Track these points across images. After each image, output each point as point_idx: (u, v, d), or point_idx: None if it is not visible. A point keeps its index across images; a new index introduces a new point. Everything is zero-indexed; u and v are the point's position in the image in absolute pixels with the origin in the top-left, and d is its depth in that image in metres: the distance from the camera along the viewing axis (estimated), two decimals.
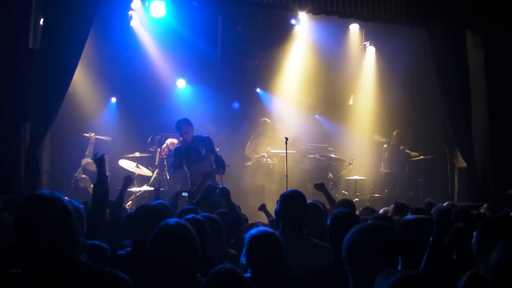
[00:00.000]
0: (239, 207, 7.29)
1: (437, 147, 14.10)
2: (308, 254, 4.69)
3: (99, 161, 6.17)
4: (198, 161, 9.82)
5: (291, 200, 5.06)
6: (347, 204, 6.81)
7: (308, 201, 5.63)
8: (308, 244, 4.86)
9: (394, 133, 14.44)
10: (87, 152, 12.55)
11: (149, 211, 5.01)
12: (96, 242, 4.69)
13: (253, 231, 4.18)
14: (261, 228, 4.29)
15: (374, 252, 3.24)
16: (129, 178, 7.51)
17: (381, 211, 7.36)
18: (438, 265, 3.94)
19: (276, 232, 4.61)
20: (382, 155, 14.62)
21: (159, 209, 5.11)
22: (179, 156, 9.91)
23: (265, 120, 14.14)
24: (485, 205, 8.45)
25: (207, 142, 10.03)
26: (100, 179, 5.98)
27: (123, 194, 7.22)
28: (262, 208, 8.11)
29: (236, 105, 14.87)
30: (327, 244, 4.73)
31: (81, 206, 4.76)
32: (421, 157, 13.98)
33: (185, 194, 8.03)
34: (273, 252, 4.10)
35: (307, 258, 4.63)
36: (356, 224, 3.48)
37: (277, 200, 5.21)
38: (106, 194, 5.94)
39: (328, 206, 7.05)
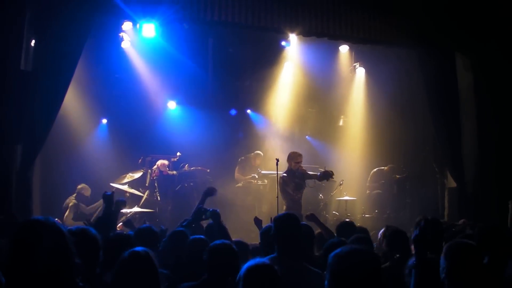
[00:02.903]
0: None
1: (427, 167, 14.14)
2: (304, 281, 4.67)
3: (108, 198, 6.30)
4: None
5: (285, 223, 5.03)
6: (348, 227, 6.92)
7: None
8: (304, 270, 4.82)
9: (387, 167, 14.49)
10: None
11: (118, 239, 5.06)
12: None
13: (250, 263, 4.01)
14: (258, 260, 4.11)
15: (356, 278, 3.17)
16: (122, 202, 7.52)
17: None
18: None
19: (269, 257, 4.64)
20: (367, 178, 14.64)
21: (128, 237, 5.11)
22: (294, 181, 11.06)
23: (258, 153, 14.18)
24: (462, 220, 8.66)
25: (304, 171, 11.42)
26: (106, 214, 6.13)
27: (115, 216, 7.22)
28: (312, 217, 8.12)
29: (233, 111, 15.01)
30: (318, 269, 4.77)
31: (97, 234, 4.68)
32: (398, 176, 14.10)
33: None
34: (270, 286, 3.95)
35: (302, 285, 4.61)
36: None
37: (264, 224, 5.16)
38: (108, 229, 6.01)
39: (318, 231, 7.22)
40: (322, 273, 4.76)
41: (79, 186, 12.47)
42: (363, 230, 7.05)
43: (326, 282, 3.29)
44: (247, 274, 3.92)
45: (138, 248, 3.88)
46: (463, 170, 12.38)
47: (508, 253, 4.77)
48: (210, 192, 7.96)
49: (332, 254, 3.32)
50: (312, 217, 8.04)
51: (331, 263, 3.27)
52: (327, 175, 11.08)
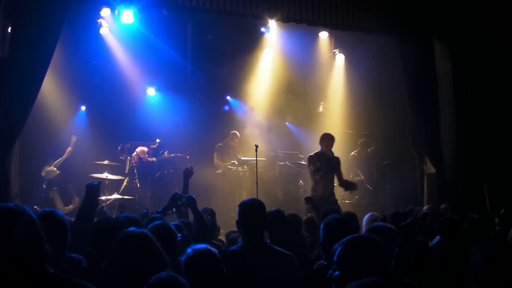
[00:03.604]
0: (213, 212, 7.33)
1: (406, 153, 14.22)
2: (270, 263, 4.70)
3: (90, 188, 6.14)
4: (331, 172, 10.83)
5: (249, 209, 5.06)
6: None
7: (272, 209, 5.72)
8: (270, 252, 4.87)
9: (359, 142, 14.59)
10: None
11: (108, 225, 5.03)
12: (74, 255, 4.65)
13: (190, 249, 4.06)
14: (198, 245, 4.13)
15: (366, 265, 3.25)
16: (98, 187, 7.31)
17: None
18: (406, 270, 3.99)
19: (235, 246, 4.81)
20: (350, 164, 14.67)
21: (119, 223, 5.09)
22: (319, 162, 10.70)
23: (234, 133, 14.13)
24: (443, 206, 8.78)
25: (339, 162, 11.06)
26: (88, 204, 5.95)
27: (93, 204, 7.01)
28: (308, 200, 8.20)
29: (226, 107, 15.13)
30: (289, 251, 4.88)
31: (67, 217, 4.67)
32: (385, 162, 14.14)
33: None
34: (210, 268, 3.96)
35: (269, 266, 4.64)
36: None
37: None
38: (89, 218, 5.89)
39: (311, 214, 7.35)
40: (294, 256, 4.87)
41: (44, 172, 12.41)
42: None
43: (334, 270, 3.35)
44: (186, 261, 3.93)
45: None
46: (441, 156, 12.44)
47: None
48: (188, 172, 7.90)
49: (341, 241, 3.43)
50: (309, 200, 8.17)
51: (340, 251, 3.36)
52: (349, 187, 11.10)
